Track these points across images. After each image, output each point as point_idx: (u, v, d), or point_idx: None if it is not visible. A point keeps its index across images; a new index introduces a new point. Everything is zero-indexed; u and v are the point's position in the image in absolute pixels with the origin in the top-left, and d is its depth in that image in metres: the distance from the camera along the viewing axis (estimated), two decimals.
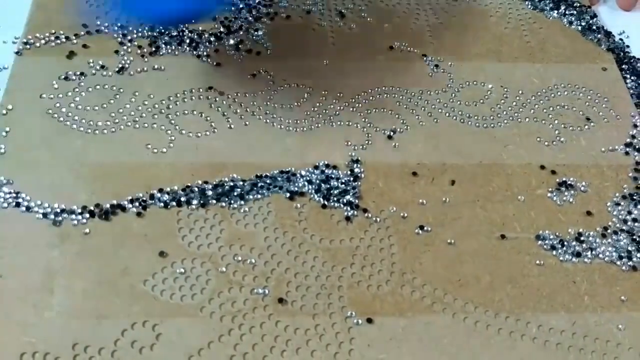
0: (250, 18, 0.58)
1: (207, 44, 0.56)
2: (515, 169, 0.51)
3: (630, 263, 0.46)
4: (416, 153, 0.51)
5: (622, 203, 0.50)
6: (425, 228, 0.46)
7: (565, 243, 0.47)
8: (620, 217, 0.49)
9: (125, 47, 0.54)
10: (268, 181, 0.47)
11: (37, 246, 0.43)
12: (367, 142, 0.51)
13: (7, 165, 0.46)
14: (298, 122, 0.52)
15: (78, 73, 0.52)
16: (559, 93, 0.56)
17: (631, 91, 0.57)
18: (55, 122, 0.49)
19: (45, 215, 0.44)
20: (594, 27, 0.62)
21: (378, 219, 0.47)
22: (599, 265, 0.46)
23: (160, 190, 0.46)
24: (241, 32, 0.57)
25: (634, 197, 0.50)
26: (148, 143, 0.49)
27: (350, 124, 0.52)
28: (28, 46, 0.53)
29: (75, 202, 0.45)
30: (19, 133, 0.48)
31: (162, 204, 0.45)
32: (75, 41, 0.54)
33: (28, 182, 0.45)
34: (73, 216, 0.44)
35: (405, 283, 0.44)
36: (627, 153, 0.53)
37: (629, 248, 0.47)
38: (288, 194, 0.47)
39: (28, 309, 0.40)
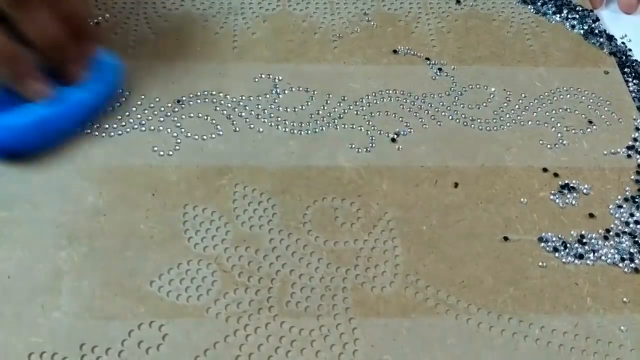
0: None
1: None
2: (518, 171, 0.51)
3: (632, 265, 0.47)
4: (419, 156, 0.51)
5: (624, 205, 0.50)
6: (428, 230, 0.47)
7: (568, 245, 0.47)
8: (622, 219, 0.49)
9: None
10: None
11: (45, 247, 0.43)
12: (370, 144, 0.51)
13: (15, 167, 0.47)
14: (302, 124, 0.52)
15: None
16: (561, 96, 0.57)
17: (633, 94, 0.57)
18: None
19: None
20: (597, 31, 0.62)
21: (382, 221, 0.47)
22: (601, 267, 0.47)
23: None
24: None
25: (636, 200, 0.50)
26: (154, 146, 0.49)
27: (354, 126, 0.52)
28: None
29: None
30: None
31: None
32: None
33: (36, 184, 0.46)
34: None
35: (409, 284, 0.44)
36: (629, 156, 0.53)
37: (631, 250, 0.47)
38: None
39: (36, 309, 0.41)
